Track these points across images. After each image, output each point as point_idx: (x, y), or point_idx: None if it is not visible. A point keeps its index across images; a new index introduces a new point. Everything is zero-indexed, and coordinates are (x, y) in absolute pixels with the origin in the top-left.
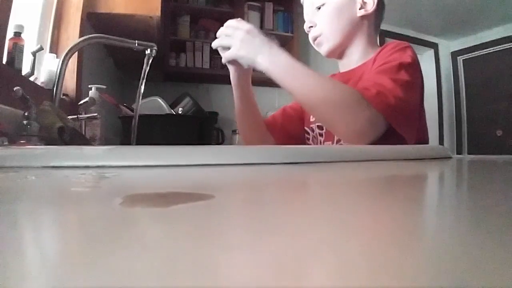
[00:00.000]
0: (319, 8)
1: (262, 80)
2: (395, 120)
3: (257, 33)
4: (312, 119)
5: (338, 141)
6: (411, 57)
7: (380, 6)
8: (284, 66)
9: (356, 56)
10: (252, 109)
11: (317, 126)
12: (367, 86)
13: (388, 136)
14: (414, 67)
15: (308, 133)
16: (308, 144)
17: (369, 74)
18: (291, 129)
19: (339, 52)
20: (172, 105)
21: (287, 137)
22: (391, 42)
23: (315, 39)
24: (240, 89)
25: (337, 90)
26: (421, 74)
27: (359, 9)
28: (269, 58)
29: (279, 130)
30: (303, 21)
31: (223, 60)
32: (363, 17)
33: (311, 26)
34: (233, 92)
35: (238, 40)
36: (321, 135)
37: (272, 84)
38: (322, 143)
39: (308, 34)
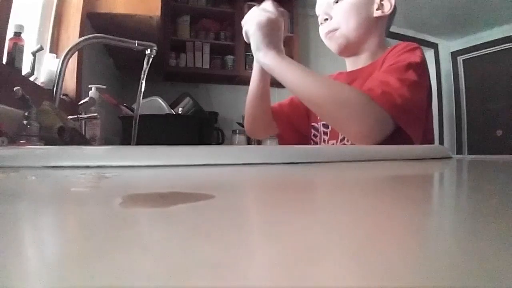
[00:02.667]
0: (337, 2)
1: None
2: (402, 119)
3: (261, 28)
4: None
5: (342, 140)
6: (420, 57)
7: (394, 9)
8: (287, 65)
9: (366, 56)
10: (265, 95)
11: (322, 124)
12: (371, 86)
13: (394, 136)
14: (422, 68)
15: (317, 130)
16: (314, 141)
17: (376, 74)
18: (296, 121)
19: (351, 50)
20: (172, 105)
21: (291, 129)
22: (401, 43)
23: (328, 33)
24: (262, 72)
25: (343, 93)
26: (429, 75)
27: (376, 9)
28: (277, 56)
29: (285, 120)
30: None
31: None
32: (378, 18)
33: (327, 19)
34: (252, 73)
35: (251, 29)
36: (325, 133)
37: (272, 84)
38: (326, 142)
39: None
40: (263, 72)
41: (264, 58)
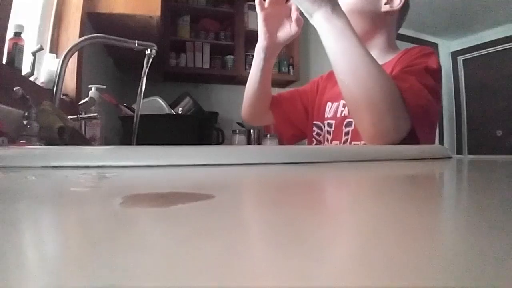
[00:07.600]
0: None
1: None
2: (419, 121)
3: None
4: (326, 115)
5: (345, 142)
6: (437, 64)
7: (405, 6)
8: (339, 31)
9: (374, 55)
10: (266, 82)
11: (328, 123)
12: (400, 85)
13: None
14: (439, 74)
15: (321, 128)
16: (317, 140)
17: (395, 75)
18: (292, 116)
19: None
20: (172, 105)
21: (287, 122)
22: (415, 47)
23: None
24: (265, 60)
25: (381, 80)
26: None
27: (385, 4)
28: (330, 16)
29: (281, 112)
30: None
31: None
32: (386, 13)
33: None
34: (254, 58)
35: None
36: (329, 133)
37: (272, 84)
38: (329, 141)
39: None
40: (266, 64)
41: (334, 18)
